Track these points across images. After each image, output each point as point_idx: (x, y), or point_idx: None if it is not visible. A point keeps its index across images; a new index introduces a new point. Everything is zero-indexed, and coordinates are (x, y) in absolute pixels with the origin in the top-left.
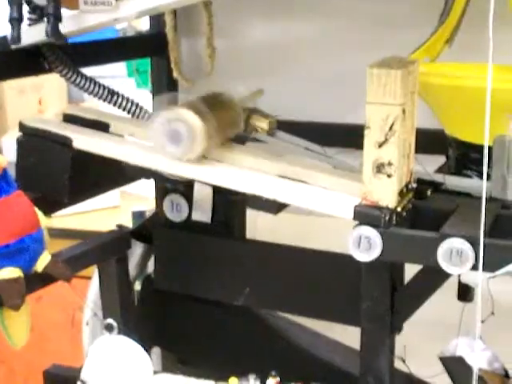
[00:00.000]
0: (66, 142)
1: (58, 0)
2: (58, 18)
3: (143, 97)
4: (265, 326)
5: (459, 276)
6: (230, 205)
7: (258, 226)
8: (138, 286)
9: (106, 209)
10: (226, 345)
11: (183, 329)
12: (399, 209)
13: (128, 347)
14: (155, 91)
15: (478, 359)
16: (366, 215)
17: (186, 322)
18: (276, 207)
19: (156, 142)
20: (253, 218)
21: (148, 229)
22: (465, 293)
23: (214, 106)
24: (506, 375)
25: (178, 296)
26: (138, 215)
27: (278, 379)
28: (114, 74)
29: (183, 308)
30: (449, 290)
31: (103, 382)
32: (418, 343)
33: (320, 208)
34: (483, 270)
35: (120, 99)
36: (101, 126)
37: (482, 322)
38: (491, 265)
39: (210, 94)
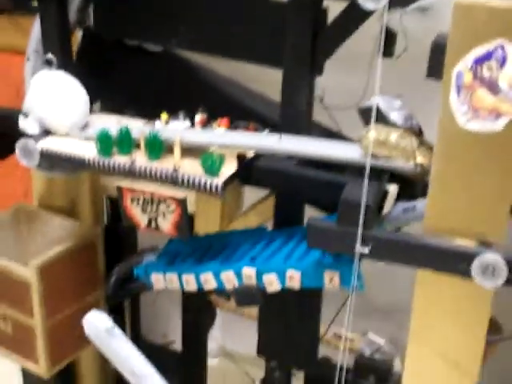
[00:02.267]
0: None
1: None
2: None
3: None
4: (195, 74)
5: None
6: None
7: None
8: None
9: None
10: (157, 90)
11: (118, 77)
12: None
13: (66, 81)
14: None
15: (395, 115)
16: None
17: (121, 71)
18: None
19: None
20: None
21: None
22: None
23: None
24: (420, 132)
25: (114, 46)
26: None
27: (205, 115)
28: None
29: (120, 56)
30: None
31: (44, 112)
32: None
33: None
34: None
35: None
36: None
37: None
38: None
39: None
